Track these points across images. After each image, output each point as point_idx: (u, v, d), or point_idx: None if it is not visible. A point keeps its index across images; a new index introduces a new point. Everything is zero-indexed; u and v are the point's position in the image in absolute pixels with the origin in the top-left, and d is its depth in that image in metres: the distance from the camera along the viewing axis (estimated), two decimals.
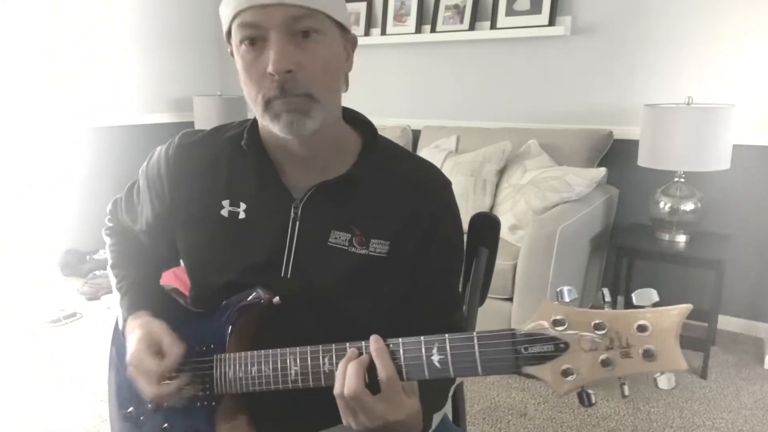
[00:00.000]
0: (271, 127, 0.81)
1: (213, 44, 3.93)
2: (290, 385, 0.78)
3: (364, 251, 0.86)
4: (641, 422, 1.98)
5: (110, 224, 1.10)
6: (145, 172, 0.99)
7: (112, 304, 0.99)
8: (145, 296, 0.96)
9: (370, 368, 0.71)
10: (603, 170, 2.49)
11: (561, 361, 0.59)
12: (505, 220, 2.47)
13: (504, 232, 2.48)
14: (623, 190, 2.77)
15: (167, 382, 0.83)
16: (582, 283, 2.45)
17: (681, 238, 2.39)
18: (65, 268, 3.33)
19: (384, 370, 0.70)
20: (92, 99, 3.35)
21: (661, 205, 2.41)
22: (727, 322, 2.67)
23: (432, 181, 0.92)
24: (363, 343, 0.73)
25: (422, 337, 0.70)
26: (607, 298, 0.61)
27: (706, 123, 2.20)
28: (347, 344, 0.74)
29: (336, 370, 0.73)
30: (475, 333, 0.66)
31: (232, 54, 0.84)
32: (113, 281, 1.01)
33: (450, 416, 1.07)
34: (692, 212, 2.36)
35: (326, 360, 0.75)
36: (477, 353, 0.66)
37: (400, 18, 3.29)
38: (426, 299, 0.91)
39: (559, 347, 0.60)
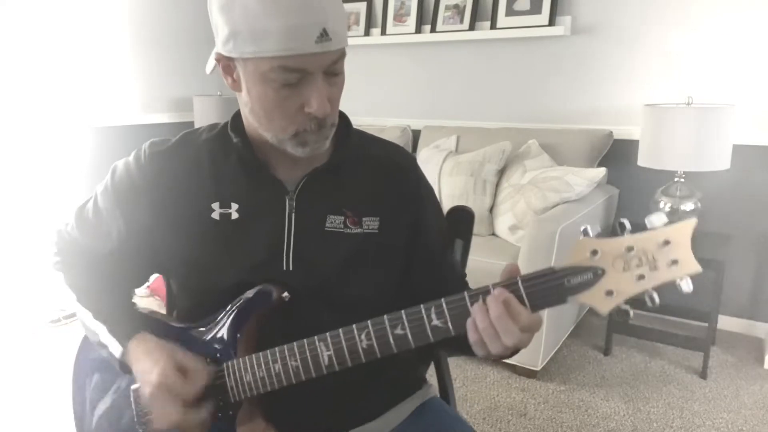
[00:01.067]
0: (290, 149, 0.84)
1: (213, 45, 3.93)
2: (324, 370, 0.78)
3: (359, 230, 0.90)
4: (641, 422, 1.98)
5: (59, 258, 0.99)
6: (111, 187, 0.94)
7: (96, 336, 0.89)
8: (137, 318, 0.91)
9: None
10: (603, 170, 2.49)
11: (602, 284, 0.67)
12: (505, 220, 2.47)
13: (504, 232, 2.48)
14: (623, 190, 2.77)
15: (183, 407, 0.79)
16: None
17: None
18: None
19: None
20: (92, 99, 3.35)
21: (661, 205, 2.41)
22: (726, 322, 2.68)
23: (403, 159, 1.00)
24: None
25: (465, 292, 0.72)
26: (628, 226, 0.67)
27: (706, 123, 2.20)
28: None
29: (375, 343, 0.75)
30: (518, 277, 0.70)
31: (230, 71, 0.85)
32: (86, 315, 0.91)
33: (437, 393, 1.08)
34: (692, 212, 2.36)
35: (363, 336, 0.75)
36: (524, 294, 0.70)
37: (400, 18, 3.29)
38: (435, 260, 0.96)
39: (597, 273, 0.67)
